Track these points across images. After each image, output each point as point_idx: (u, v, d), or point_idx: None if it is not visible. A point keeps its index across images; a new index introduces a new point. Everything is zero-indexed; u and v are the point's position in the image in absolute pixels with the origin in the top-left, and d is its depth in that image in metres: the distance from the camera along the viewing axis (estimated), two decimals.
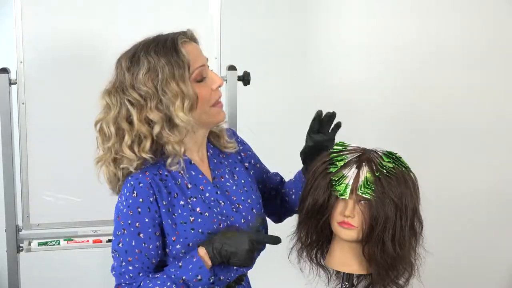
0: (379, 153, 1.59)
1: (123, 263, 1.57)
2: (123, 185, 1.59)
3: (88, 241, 2.42)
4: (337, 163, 1.58)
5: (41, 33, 2.27)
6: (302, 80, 3.13)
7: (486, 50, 3.23)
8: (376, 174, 1.54)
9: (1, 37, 2.71)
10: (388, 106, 3.19)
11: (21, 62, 2.26)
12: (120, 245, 1.57)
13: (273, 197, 1.91)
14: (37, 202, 2.35)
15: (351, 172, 1.56)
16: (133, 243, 1.56)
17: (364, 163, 1.56)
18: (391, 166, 1.55)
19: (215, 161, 1.72)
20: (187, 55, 1.54)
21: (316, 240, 1.68)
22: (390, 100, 3.19)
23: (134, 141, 1.56)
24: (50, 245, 2.40)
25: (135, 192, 1.56)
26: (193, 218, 1.60)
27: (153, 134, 1.55)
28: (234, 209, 1.67)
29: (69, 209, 2.37)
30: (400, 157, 1.59)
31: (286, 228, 1.79)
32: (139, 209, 1.56)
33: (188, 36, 1.60)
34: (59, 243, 2.40)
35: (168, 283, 1.55)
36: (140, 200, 1.56)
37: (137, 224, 1.56)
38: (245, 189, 1.74)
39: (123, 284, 1.58)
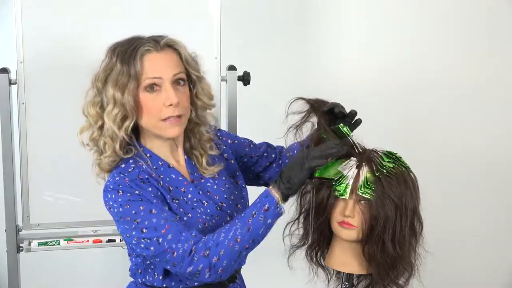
0: (379, 153, 1.59)
1: (160, 239, 1.49)
2: (103, 194, 1.58)
3: (88, 241, 2.42)
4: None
5: (41, 33, 2.27)
6: (302, 80, 3.12)
7: (488, 49, 3.23)
8: (376, 174, 1.54)
9: (1, 37, 2.71)
10: (389, 106, 3.18)
11: (21, 62, 2.26)
12: (145, 230, 1.50)
13: (255, 162, 1.88)
14: (37, 202, 2.35)
15: (351, 172, 1.56)
16: (154, 220, 1.50)
17: (364, 163, 1.56)
18: (391, 166, 1.56)
19: (193, 163, 1.70)
20: (141, 65, 1.54)
21: (316, 240, 1.69)
22: (390, 100, 3.18)
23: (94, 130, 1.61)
24: (50, 245, 2.40)
25: (120, 191, 1.53)
26: (178, 217, 1.57)
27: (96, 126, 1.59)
28: (218, 208, 1.66)
29: (69, 209, 2.37)
30: (400, 157, 1.59)
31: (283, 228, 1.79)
32: (131, 198, 1.53)
33: (161, 44, 1.57)
34: (59, 243, 2.40)
35: (239, 224, 1.50)
36: (128, 194, 1.53)
37: (141, 207, 1.51)
38: (227, 186, 1.72)
39: (181, 250, 1.48)
